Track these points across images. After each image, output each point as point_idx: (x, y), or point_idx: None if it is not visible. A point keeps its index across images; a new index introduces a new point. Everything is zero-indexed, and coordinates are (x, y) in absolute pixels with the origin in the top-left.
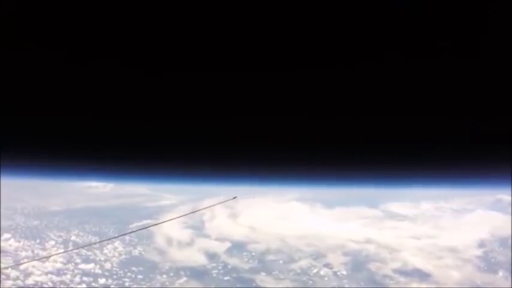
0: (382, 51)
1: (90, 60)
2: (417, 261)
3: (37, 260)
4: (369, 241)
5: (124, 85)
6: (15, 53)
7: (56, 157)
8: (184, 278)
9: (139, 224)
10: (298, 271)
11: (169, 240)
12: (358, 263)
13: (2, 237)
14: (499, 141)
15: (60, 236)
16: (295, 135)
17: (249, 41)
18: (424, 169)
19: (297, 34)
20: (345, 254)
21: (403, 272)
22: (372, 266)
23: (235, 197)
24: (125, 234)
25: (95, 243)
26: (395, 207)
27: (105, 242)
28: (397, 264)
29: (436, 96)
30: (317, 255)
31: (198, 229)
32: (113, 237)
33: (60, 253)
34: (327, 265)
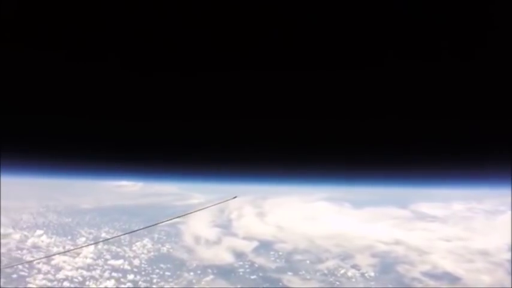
0: (382, 52)
1: (94, 60)
2: (447, 264)
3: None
4: (398, 242)
5: (142, 86)
6: (16, 54)
7: (81, 157)
8: (211, 276)
9: (167, 222)
10: (325, 272)
11: (197, 239)
12: (386, 264)
13: (35, 234)
14: (499, 141)
15: (90, 233)
16: (320, 135)
17: (249, 43)
18: (423, 169)
19: (296, 36)
20: (373, 255)
21: (433, 275)
22: (401, 268)
23: (235, 197)
24: (117, 236)
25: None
26: (426, 207)
27: (134, 239)
28: (426, 267)
29: (436, 96)
30: (345, 256)
31: (226, 228)
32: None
33: (52, 255)
34: (354, 266)
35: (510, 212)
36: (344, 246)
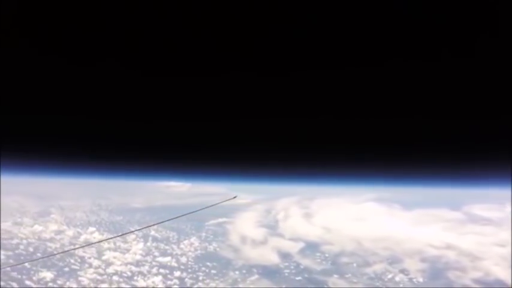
0: (382, 53)
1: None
2: (500, 271)
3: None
4: (449, 247)
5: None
6: (16, 55)
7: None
8: (256, 276)
9: (215, 221)
10: (372, 275)
11: (243, 238)
12: (436, 270)
13: (87, 230)
14: (499, 141)
15: (140, 231)
16: (368, 135)
17: (251, 44)
18: (422, 168)
19: (295, 37)
20: (423, 260)
21: (484, 283)
22: (451, 275)
23: (235, 197)
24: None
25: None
26: (479, 209)
27: (182, 237)
28: (478, 274)
29: (437, 97)
30: (393, 260)
31: (272, 228)
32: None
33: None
34: (402, 271)
35: None
36: (392, 250)
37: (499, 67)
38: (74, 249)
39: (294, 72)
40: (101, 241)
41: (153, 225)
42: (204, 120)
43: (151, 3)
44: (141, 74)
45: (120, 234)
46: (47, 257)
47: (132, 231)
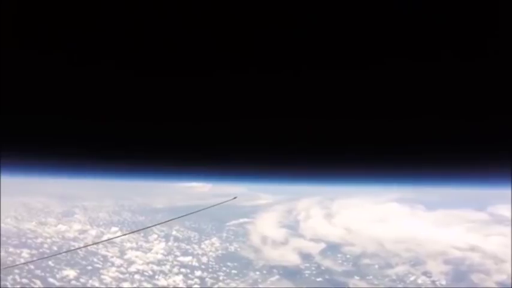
0: (383, 53)
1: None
2: None
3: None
4: (473, 249)
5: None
6: (16, 55)
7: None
8: (277, 276)
9: (236, 222)
10: (394, 277)
11: (264, 239)
12: (459, 272)
13: (110, 230)
14: (499, 141)
15: (162, 231)
16: (388, 136)
17: (253, 44)
18: (422, 168)
19: (295, 37)
20: (446, 262)
21: (508, 286)
22: (475, 277)
23: (235, 197)
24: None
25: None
26: (505, 209)
27: (204, 237)
28: (502, 277)
29: (437, 97)
30: (416, 262)
31: (293, 229)
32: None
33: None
34: (425, 273)
35: None
36: (415, 251)
37: (499, 68)
38: (78, 248)
39: (309, 71)
40: (109, 239)
41: (155, 225)
42: (223, 120)
43: (152, 4)
44: (145, 74)
45: (127, 232)
46: (45, 258)
47: (137, 230)
